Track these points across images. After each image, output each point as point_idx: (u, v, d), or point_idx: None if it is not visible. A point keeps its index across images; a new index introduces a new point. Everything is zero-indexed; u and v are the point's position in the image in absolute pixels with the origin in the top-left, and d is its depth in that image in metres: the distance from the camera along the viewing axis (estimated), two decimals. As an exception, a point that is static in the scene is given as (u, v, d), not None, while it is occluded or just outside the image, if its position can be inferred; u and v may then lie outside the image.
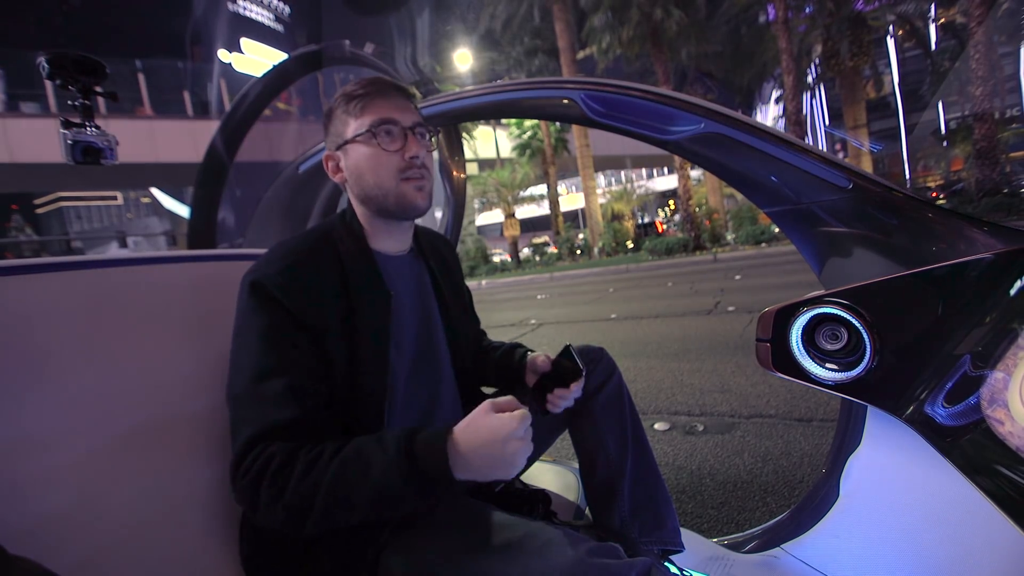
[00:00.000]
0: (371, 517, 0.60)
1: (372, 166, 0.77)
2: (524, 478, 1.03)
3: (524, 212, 26.57)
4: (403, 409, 0.78)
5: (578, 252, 19.02)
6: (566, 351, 0.87)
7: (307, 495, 0.58)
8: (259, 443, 0.61)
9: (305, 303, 0.69)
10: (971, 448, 0.67)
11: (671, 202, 34.41)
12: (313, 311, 0.69)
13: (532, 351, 0.97)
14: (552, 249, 20.31)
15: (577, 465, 0.99)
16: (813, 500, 1.00)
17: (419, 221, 0.88)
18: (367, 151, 0.76)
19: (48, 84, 1.13)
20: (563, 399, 0.85)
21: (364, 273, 0.77)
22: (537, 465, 1.20)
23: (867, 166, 21.74)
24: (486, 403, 0.62)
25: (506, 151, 22.78)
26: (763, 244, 12.76)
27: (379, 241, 0.82)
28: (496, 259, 19.93)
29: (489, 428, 0.59)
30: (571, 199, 35.79)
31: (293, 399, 0.64)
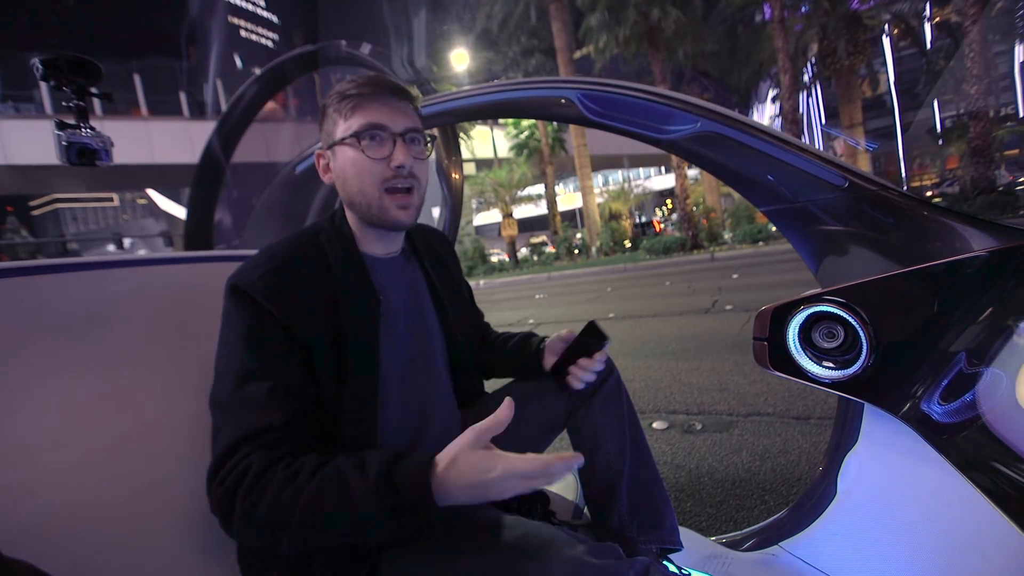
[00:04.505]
0: (347, 542, 0.58)
1: (356, 172, 0.74)
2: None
3: (522, 212, 26.53)
4: (396, 415, 0.77)
5: (576, 252, 19.02)
6: (589, 326, 0.86)
7: (282, 513, 0.55)
8: (238, 450, 0.59)
9: (288, 307, 0.67)
10: (968, 445, 0.68)
11: (668, 201, 34.44)
12: (297, 315, 0.67)
13: (548, 337, 0.95)
14: (550, 249, 20.30)
15: (576, 464, 0.99)
16: (811, 498, 1.00)
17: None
18: (353, 156, 0.74)
19: (43, 85, 1.12)
20: (586, 370, 0.85)
21: (352, 278, 0.75)
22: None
23: (863, 165, 21.82)
24: (468, 434, 0.56)
25: (503, 151, 22.77)
26: (760, 243, 12.78)
27: (369, 244, 0.80)
28: (494, 259, 19.90)
29: (476, 470, 0.54)
30: (569, 199, 35.80)
31: (274, 403, 0.62)
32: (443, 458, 0.55)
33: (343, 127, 0.75)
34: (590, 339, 0.86)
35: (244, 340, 0.65)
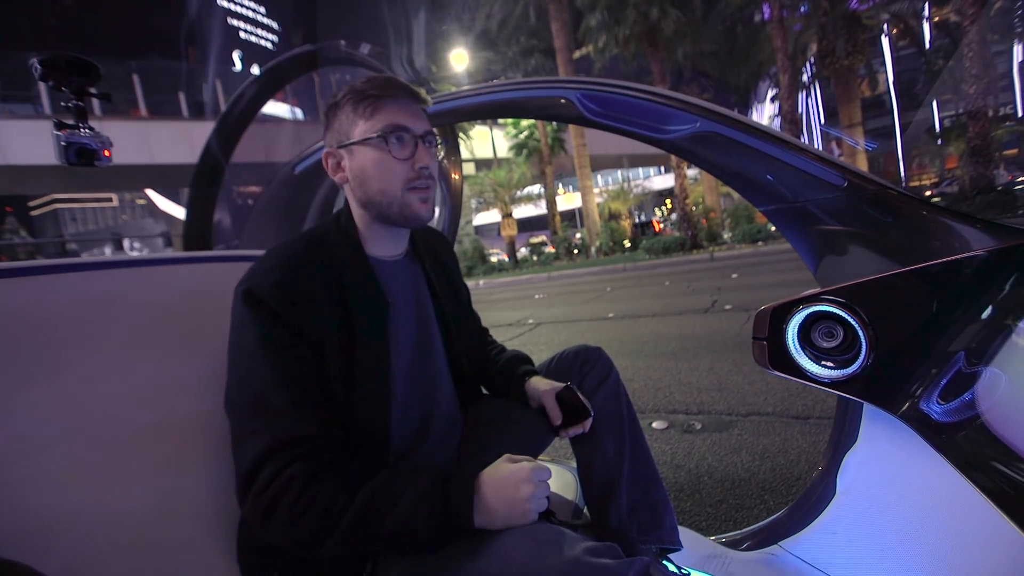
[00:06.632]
0: (389, 548, 0.61)
1: (379, 172, 0.74)
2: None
3: (521, 212, 26.53)
4: (401, 415, 0.77)
5: (575, 251, 19.03)
6: (568, 388, 0.89)
7: (333, 518, 0.59)
8: (274, 458, 0.61)
9: (300, 313, 0.67)
10: (967, 444, 0.68)
11: (668, 201, 34.46)
12: (309, 321, 0.68)
13: (535, 371, 0.97)
14: (549, 249, 20.30)
15: (575, 465, 0.99)
16: (810, 497, 1.00)
17: None
18: (375, 156, 0.74)
19: (42, 85, 1.12)
20: (576, 431, 0.90)
21: (361, 281, 0.75)
22: (535, 465, 1.20)
23: (862, 164, 21.85)
24: (505, 456, 0.67)
25: (503, 151, 22.77)
26: (760, 243, 12.79)
27: (375, 246, 0.80)
28: (493, 259, 19.91)
29: (506, 472, 0.64)
30: (568, 198, 35.81)
31: (300, 411, 0.63)
32: (486, 471, 0.65)
33: (363, 127, 0.74)
34: (575, 408, 0.88)
35: (261, 347, 0.65)
